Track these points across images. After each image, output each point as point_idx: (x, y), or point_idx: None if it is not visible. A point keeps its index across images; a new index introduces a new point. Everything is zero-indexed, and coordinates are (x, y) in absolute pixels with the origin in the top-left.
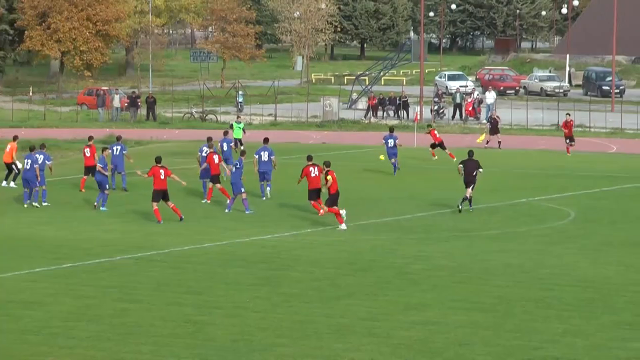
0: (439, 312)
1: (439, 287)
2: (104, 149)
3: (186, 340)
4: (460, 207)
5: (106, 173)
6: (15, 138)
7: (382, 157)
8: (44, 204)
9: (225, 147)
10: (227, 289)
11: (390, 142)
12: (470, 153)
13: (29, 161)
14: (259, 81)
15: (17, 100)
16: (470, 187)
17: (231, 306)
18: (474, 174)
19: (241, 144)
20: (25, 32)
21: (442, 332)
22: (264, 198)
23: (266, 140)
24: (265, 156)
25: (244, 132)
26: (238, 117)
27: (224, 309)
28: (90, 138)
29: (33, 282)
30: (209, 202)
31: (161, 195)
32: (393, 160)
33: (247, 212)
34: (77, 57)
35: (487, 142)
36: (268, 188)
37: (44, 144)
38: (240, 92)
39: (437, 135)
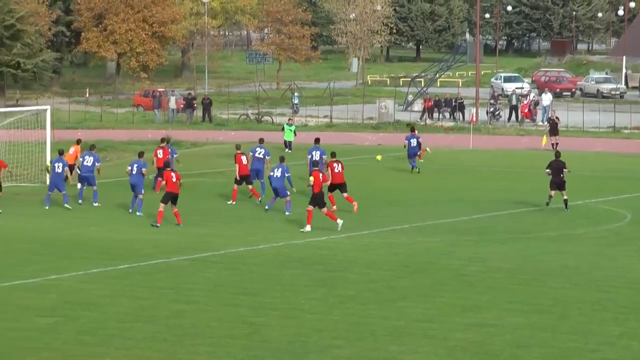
0: (495, 314)
1: (495, 289)
2: (140, 153)
3: (242, 342)
4: (548, 202)
5: (147, 175)
6: (79, 141)
7: (379, 157)
8: (94, 204)
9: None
10: (283, 290)
11: (413, 141)
12: (557, 154)
13: (60, 164)
14: (315, 83)
15: (74, 101)
16: (560, 190)
17: (287, 308)
18: (562, 174)
19: (289, 148)
20: (82, 33)
21: (499, 334)
22: None
23: (317, 140)
24: (317, 156)
25: (295, 134)
26: (290, 119)
27: (280, 310)
28: (163, 140)
29: (89, 283)
30: (259, 200)
31: (171, 197)
32: (415, 159)
33: (286, 213)
34: (133, 58)
35: (553, 144)
36: None
37: (93, 145)
38: (295, 94)
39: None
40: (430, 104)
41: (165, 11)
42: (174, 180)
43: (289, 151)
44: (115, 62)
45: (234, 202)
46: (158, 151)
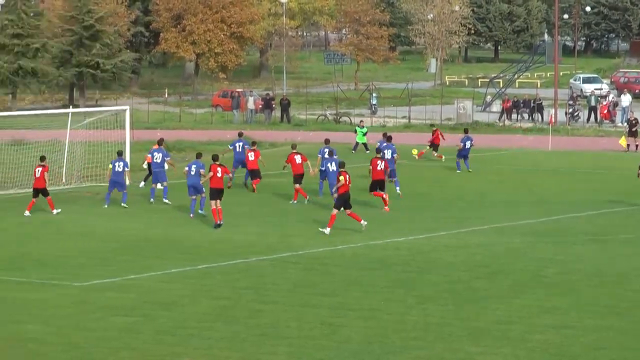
0: (574, 316)
1: (574, 291)
2: (198, 155)
3: (321, 342)
4: None
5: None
6: (160, 141)
7: (414, 151)
8: (164, 200)
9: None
10: (361, 291)
11: (468, 143)
12: None
13: (121, 164)
14: (393, 83)
15: (153, 101)
16: None
17: (366, 308)
18: None
19: (367, 148)
20: (161, 34)
21: (578, 336)
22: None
23: (389, 138)
24: (388, 154)
25: (365, 135)
26: (361, 121)
27: (359, 311)
28: (254, 143)
29: (168, 283)
30: (295, 202)
31: (217, 193)
32: (467, 161)
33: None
34: (211, 59)
35: (629, 144)
36: (397, 187)
37: (162, 139)
38: (373, 94)
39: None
40: (508, 104)
41: (243, 12)
42: (220, 175)
43: (367, 152)
44: (194, 62)
45: (307, 199)
46: (249, 154)
